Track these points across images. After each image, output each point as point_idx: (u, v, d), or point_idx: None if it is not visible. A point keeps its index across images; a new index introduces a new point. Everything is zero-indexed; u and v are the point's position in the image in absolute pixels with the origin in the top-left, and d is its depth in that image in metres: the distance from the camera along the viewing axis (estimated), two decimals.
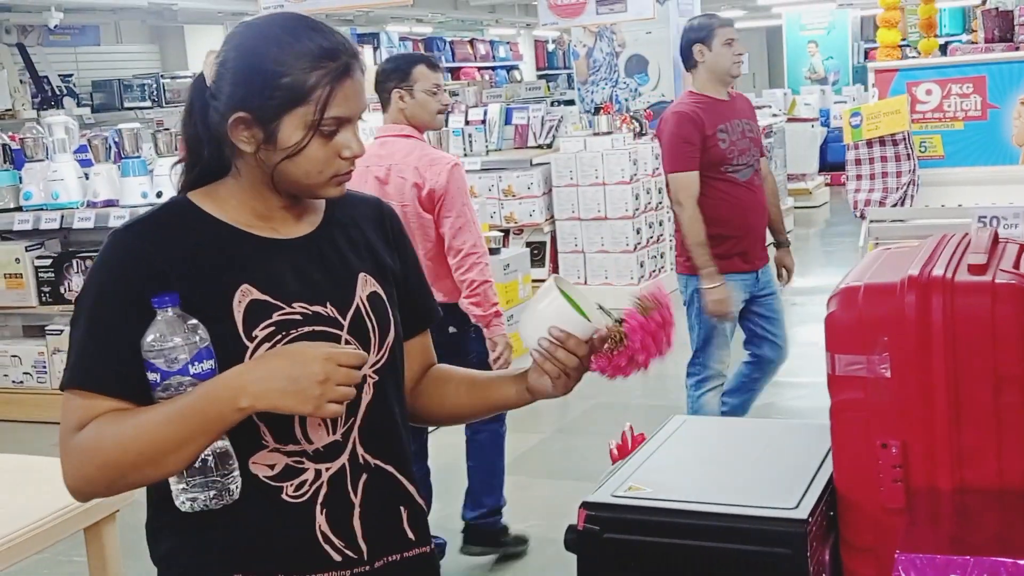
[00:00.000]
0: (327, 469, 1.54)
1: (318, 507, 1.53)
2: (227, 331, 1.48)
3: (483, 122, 9.13)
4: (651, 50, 9.84)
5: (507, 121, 9.26)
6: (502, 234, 7.47)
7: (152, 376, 1.42)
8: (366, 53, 13.99)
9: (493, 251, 5.78)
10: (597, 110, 9.20)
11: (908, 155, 4.74)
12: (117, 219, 5.74)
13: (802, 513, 1.46)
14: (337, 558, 1.54)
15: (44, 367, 6.26)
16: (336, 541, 1.54)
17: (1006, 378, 1.42)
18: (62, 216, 6.08)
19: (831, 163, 13.40)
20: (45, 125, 6.39)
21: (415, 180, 3.63)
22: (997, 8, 6.03)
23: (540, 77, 18.73)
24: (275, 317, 1.51)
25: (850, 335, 1.49)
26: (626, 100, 9.94)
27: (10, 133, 6.78)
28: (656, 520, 1.51)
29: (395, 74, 3.72)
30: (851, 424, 1.50)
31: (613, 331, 1.60)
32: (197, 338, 1.42)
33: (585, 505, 1.55)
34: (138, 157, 6.03)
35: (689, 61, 4.36)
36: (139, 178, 5.99)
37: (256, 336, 1.49)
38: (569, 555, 1.55)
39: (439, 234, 3.68)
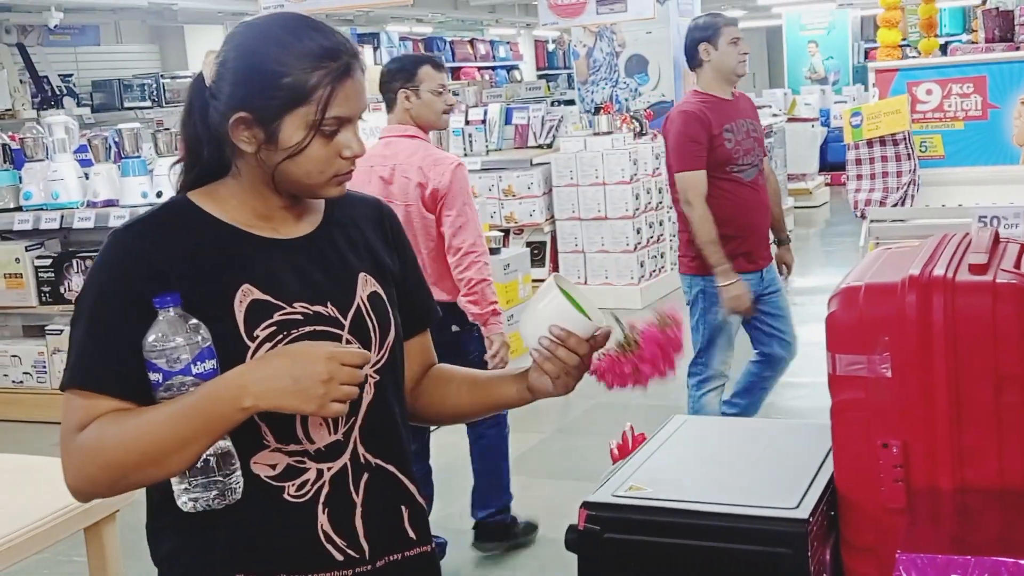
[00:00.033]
0: (329, 469, 1.54)
1: (320, 507, 1.53)
2: (227, 331, 1.48)
3: (483, 122, 9.14)
4: (651, 50, 9.83)
5: (507, 121, 9.27)
6: (502, 234, 7.47)
7: (154, 376, 1.42)
8: (366, 53, 14.01)
9: (493, 251, 5.78)
10: (597, 110, 9.20)
11: (908, 155, 4.74)
12: (117, 219, 5.74)
13: (803, 513, 1.46)
14: (339, 557, 1.53)
15: (44, 367, 6.26)
16: (338, 541, 1.54)
17: (1007, 378, 1.42)
18: (62, 216, 6.08)
19: (831, 163, 13.41)
20: (45, 125, 6.39)
21: (419, 180, 3.65)
22: (997, 8, 6.04)
23: (540, 77, 18.74)
24: (276, 317, 1.51)
25: (851, 335, 1.49)
26: (626, 100, 9.94)
27: (10, 133, 6.78)
28: (657, 520, 1.51)
29: (401, 74, 3.75)
30: (852, 424, 1.50)
31: (628, 335, 1.60)
32: (199, 338, 1.42)
33: (586, 505, 1.55)
34: (138, 157, 6.03)
35: (694, 60, 4.36)
36: (139, 178, 5.99)
37: (257, 336, 1.49)
38: (569, 555, 1.55)
39: (440, 233, 3.69)
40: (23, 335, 6.55)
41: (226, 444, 1.45)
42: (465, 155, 8.58)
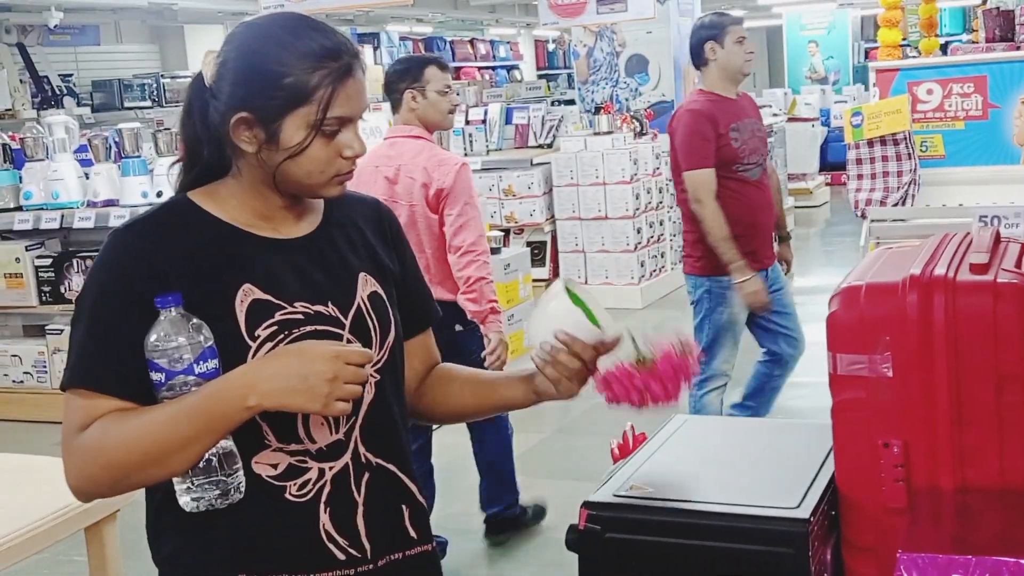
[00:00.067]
0: (331, 468, 1.54)
1: (322, 506, 1.53)
2: (228, 330, 1.48)
3: (483, 122, 9.14)
4: (651, 50, 9.83)
5: (507, 121, 9.27)
6: (503, 234, 7.47)
7: (156, 376, 1.42)
8: (366, 53, 14.00)
9: (494, 251, 5.78)
10: (597, 110, 9.20)
11: (909, 155, 4.75)
12: (117, 219, 5.74)
13: (804, 513, 1.46)
14: (341, 557, 1.53)
15: (44, 367, 6.25)
16: (340, 540, 1.54)
17: (1008, 377, 1.42)
18: (62, 216, 6.07)
19: (831, 163, 13.41)
20: (45, 125, 6.39)
21: (423, 180, 3.68)
22: (998, 8, 6.04)
23: (540, 77, 18.74)
24: (277, 317, 1.51)
25: (852, 334, 1.49)
26: (626, 100, 9.93)
27: (10, 133, 6.78)
28: (658, 520, 1.51)
29: (407, 75, 3.78)
30: (853, 423, 1.50)
31: (644, 350, 1.59)
32: (201, 337, 1.42)
33: (586, 505, 1.55)
34: (138, 157, 6.03)
35: (700, 59, 4.35)
36: (139, 178, 5.99)
37: (259, 336, 1.49)
38: (570, 555, 1.55)
39: (443, 232, 3.71)
40: (23, 335, 6.55)
41: (228, 444, 1.45)
42: (465, 155, 8.58)
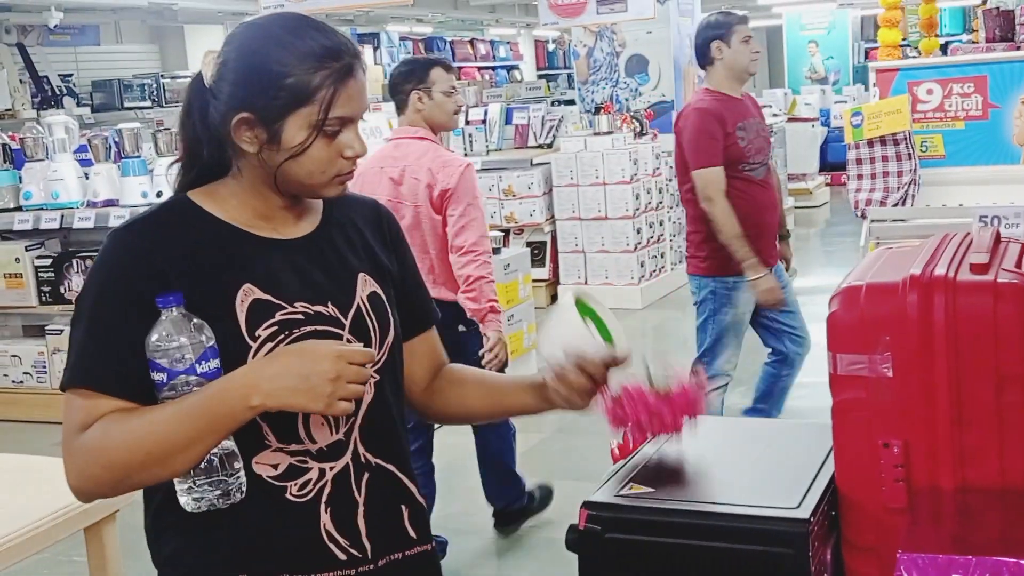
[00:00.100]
0: (331, 468, 1.54)
1: (323, 506, 1.53)
2: (228, 330, 1.48)
3: (483, 122, 9.14)
4: (651, 50, 9.83)
5: (507, 121, 9.27)
6: (503, 234, 7.47)
7: (158, 376, 1.42)
8: (366, 53, 14.00)
9: (494, 251, 5.78)
10: (597, 110, 9.20)
11: (909, 155, 4.74)
12: (117, 219, 5.74)
13: (804, 513, 1.46)
14: (342, 557, 1.53)
15: (44, 367, 6.25)
16: (341, 540, 1.54)
17: (1008, 377, 1.42)
18: (62, 216, 6.07)
19: (831, 163, 13.41)
20: (45, 125, 6.38)
21: (428, 181, 3.70)
22: (998, 8, 6.04)
23: (540, 77, 18.73)
24: (278, 317, 1.51)
25: (852, 335, 1.49)
26: (626, 100, 9.93)
27: (10, 133, 6.77)
28: (658, 520, 1.51)
29: (413, 76, 3.81)
30: (853, 424, 1.50)
31: (659, 376, 1.59)
32: (203, 337, 1.42)
33: (586, 505, 1.55)
34: (138, 157, 6.03)
35: (706, 58, 4.34)
36: (139, 178, 5.98)
37: (259, 336, 1.49)
38: (570, 555, 1.55)
39: (446, 232, 3.72)
40: (23, 335, 6.55)
41: (230, 444, 1.45)
42: (465, 155, 8.57)
